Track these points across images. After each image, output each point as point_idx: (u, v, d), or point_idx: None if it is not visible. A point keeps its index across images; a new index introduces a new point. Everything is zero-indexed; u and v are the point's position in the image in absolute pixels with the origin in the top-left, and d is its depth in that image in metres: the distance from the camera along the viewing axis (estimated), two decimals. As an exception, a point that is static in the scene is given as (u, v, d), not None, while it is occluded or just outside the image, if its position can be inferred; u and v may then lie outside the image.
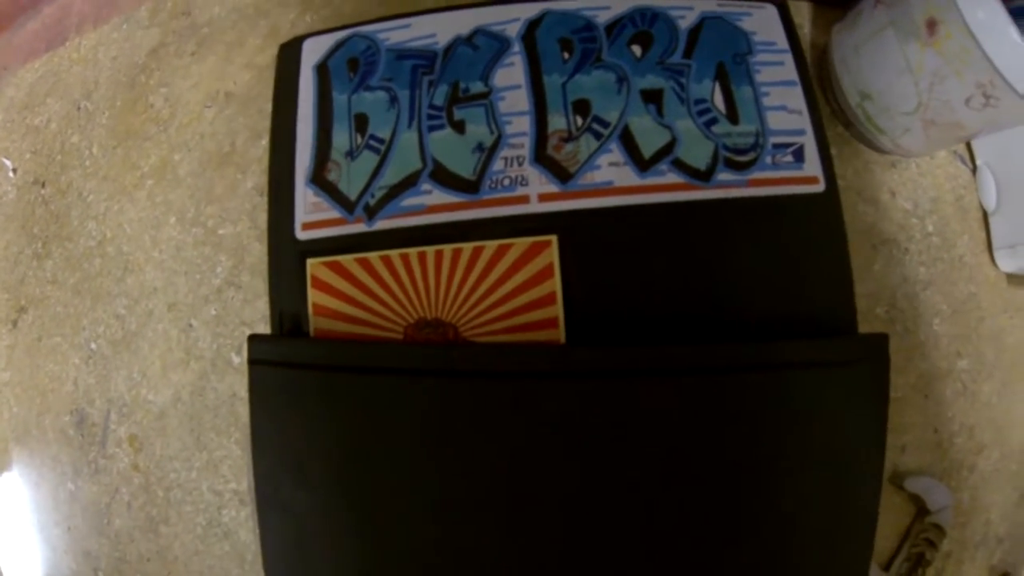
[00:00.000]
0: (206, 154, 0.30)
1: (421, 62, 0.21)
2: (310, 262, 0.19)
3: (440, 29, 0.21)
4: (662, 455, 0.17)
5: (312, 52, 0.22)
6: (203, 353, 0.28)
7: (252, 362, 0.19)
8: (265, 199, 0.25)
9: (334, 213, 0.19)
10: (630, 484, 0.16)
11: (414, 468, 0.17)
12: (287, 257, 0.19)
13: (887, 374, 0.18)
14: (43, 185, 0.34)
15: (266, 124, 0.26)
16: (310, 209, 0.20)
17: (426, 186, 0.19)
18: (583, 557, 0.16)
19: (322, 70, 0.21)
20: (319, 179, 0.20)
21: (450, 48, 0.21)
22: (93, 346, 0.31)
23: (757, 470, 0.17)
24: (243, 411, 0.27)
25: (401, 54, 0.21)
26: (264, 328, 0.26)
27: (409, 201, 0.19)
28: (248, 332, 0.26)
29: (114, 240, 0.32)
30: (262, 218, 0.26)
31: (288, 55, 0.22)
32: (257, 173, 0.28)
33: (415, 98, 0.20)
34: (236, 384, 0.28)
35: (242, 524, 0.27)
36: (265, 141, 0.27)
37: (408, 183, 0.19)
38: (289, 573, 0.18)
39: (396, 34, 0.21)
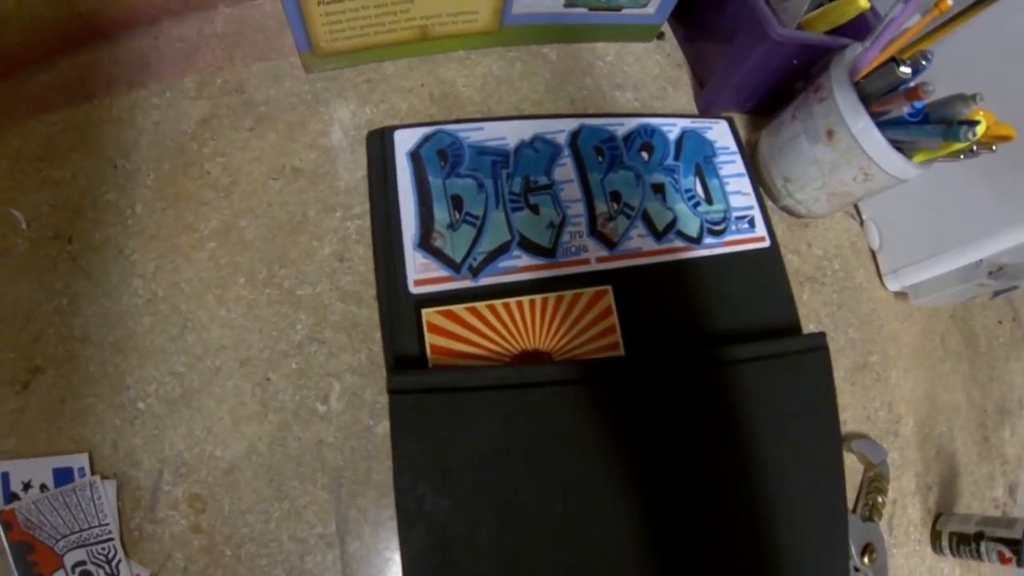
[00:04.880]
0: (275, 221, 0.37)
1: (498, 158, 0.35)
2: (425, 311, 0.30)
3: (507, 134, 0.36)
4: (691, 426, 0.30)
5: (403, 141, 0.34)
6: (283, 405, 0.34)
7: (392, 392, 0.28)
8: (344, 264, 0.35)
9: (442, 272, 0.31)
10: (676, 447, 0.30)
11: (533, 460, 0.28)
12: (403, 308, 0.30)
13: (829, 357, 0.36)
14: (69, 240, 0.38)
15: (338, 199, 0.37)
16: (420, 269, 0.31)
17: (516, 252, 0.32)
18: (661, 509, 0.28)
19: (416, 157, 0.34)
20: (426, 245, 0.32)
21: (518, 149, 0.35)
22: (140, 405, 0.35)
23: (758, 430, 0.31)
24: (330, 456, 0.34)
25: (481, 151, 0.35)
26: (351, 377, 0.34)
27: (504, 263, 0.32)
28: (334, 383, 0.35)
29: (168, 299, 0.37)
30: (344, 280, 0.36)
31: (379, 141, 0.34)
32: (334, 242, 0.36)
33: (498, 186, 0.34)
34: (322, 431, 0.34)
35: (328, 568, 0.32)
36: (339, 214, 0.37)
37: (502, 250, 0.32)
38: (435, 571, 0.26)
39: (474, 134, 0.35)
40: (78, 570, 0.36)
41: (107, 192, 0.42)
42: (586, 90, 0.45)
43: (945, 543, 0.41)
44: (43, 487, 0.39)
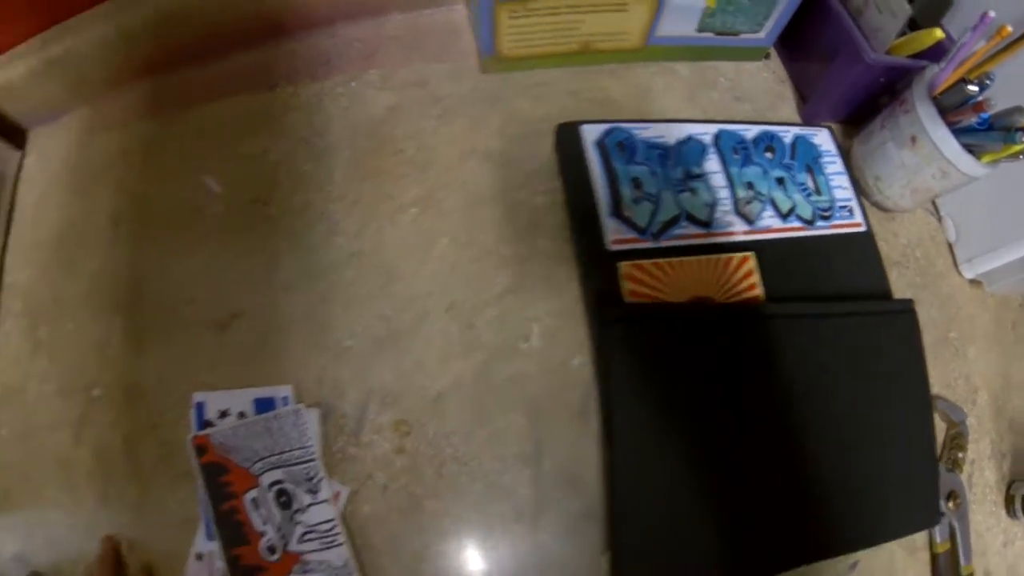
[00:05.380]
0: (471, 195, 0.46)
1: (662, 151, 0.46)
2: (621, 264, 0.41)
3: (666, 134, 0.46)
4: (813, 364, 0.41)
5: (589, 133, 0.45)
6: (487, 345, 0.41)
7: (602, 323, 0.39)
8: (538, 230, 0.45)
9: (631, 235, 0.42)
10: (802, 382, 0.40)
11: (711, 379, 0.38)
12: (603, 261, 0.41)
13: (917, 318, 0.46)
14: (266, 203, 0.47)
15: (526, 179, 0.47)
16: (614, 231, 0.42)
17: (683, 223, 0.43)
18: (791, 433, 0.39)
19: (601, 146, 0.45)
20: (618, 214, 0.42)
21: (676, 146, 0.46)
22: (347, 343, 0.42)
23: (863, 371, 0.41)
24: (530, 387, 0.41)
25: (650, 145, 0.45)
26: (549, 319, 0.44)
27: (676, 232, 0.43)
28: (534, 325, 0.44)
29: (372, 255, 0.44)
30: (542, 243, 0.45)
31: (569, 132, 0.45)
32: (527, 212, 0.45)
33: (665, 173, 0.44)
34: (523, 365, 0.41)
35: (524, 483, 0.39)
36: (527, 191, 0.47)
37: (674, 221, 0.43)
38: (641, 474, 0.36)
39: (642, 132, 0.46)
40: (275, 488, 0.41)
41: (302, 164, 0.51)
42: (713, 102, 0.56)
43: (1018, 507, 0.49)
44: (241, 415, 0.44)
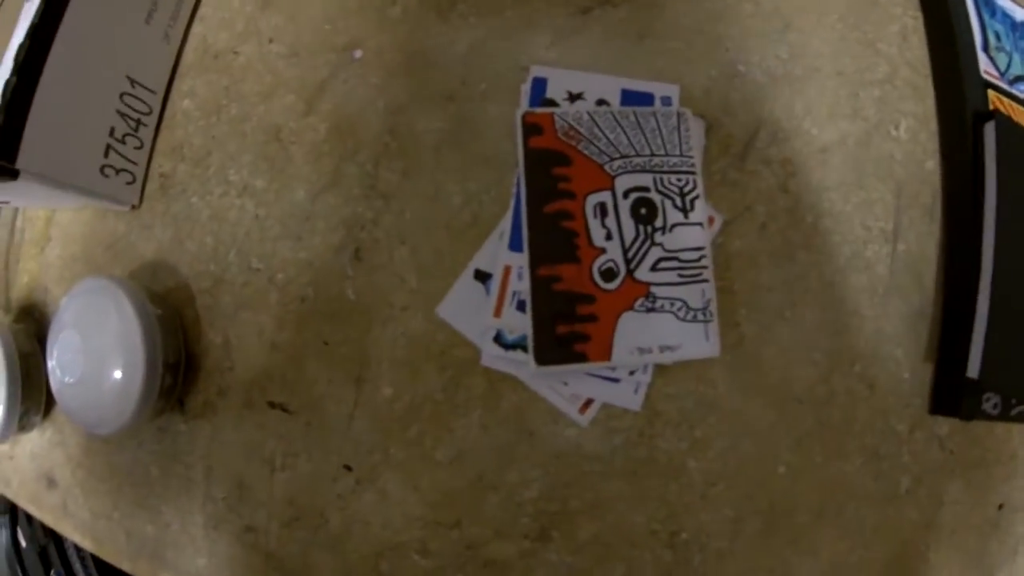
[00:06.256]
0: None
1: (1012, 21, 0.50)
2: (991, 92, 0.45)
3: (1014, 10, 0.51)
4: None
5: None
6: (868, 118, 0.42)
7: (998, 124, 0.40)
8: (907, 43, 0.47)
9: (995, 72, 0.46)
10: None
11: None
12: (972, 87, 0.44)
13: None
14: None
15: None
16: (985, 64, 0.45)
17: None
18: None
19: None
20: (986, 50, 0.46)
21: (1021, 22, 0.51)
22: (741, 68, 0.40)
23: None
24: (897, 170, 0.42)
25: (1005, 12, 0.50)
26: (912, 120, 0.45)
27: (1021, 87, 0.48)
28: (902, 119, 0.45)
29: (769, 0, 0.44)
30: (908, 55, 0.47)
31: None
32: (898, 25, 0.48)
33: (1015, 39, 0.49)
34: (893, 149, 0.42)
35: (882, 260, 0.40)
36: (900, 10, 0.47)
37: (1020, 79, 0.48)
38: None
39: (1018, 11, 0.50)
40: (633, 196, 0.35)
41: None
42: None
43: None
44: (601, 102, 0.38)
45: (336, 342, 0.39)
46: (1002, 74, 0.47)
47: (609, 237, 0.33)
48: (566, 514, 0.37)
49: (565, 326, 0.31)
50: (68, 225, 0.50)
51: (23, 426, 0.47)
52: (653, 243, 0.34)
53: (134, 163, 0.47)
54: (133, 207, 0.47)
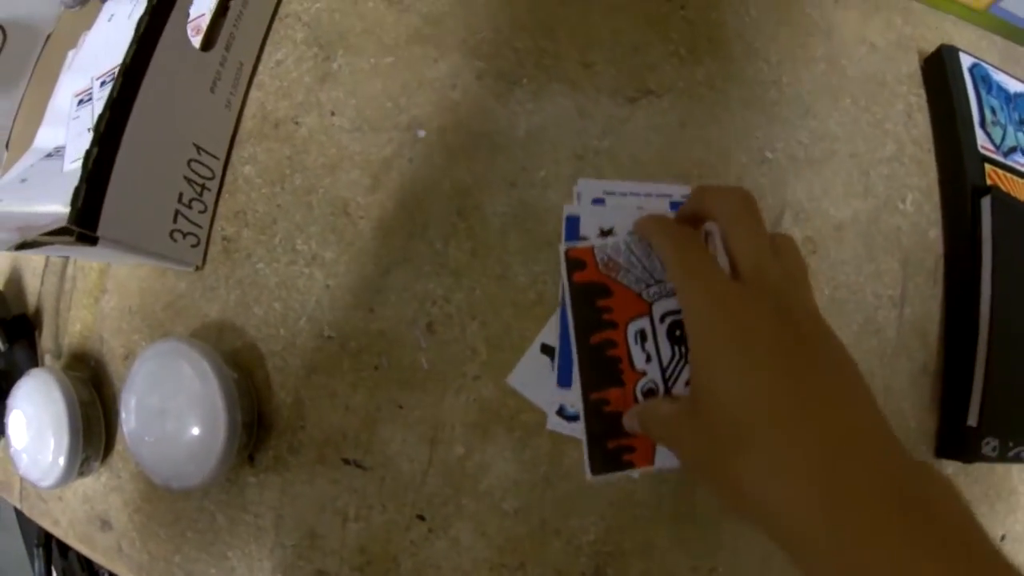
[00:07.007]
0: (864, 74, 0.51)
1: (1007, 95, 0.56)
2: (987, 166, 0.50)
3: (1009, 84, 0.57)
4: None
5: (965, 58, 0.53)
6: (878, 194, 0.47)
7: (993, 199, 0.46)
8: (912, 121, 0.52)
9: (991, 146, 0.51)
10: None
11: None
12: (971, 162, 0.49)
13: None
14: (682, 7, 0.48)
15: (908, 80, 0.53)
16: (982, 140, 0.50)
17: (1019, 154, 0.54)
18: None
19: (971, 72, 0.53)
20: (983, 126, 0.51)
21: (1014, 96, 0.57)
22: (768, 155, 0.45)
23: None
24: (904, 240, 0.47)
25: (1000, 86, 0.55)
26: (917, 194, 0.50)
27: (1015, 158, 0.53)
28: (908, 193, 0.50)
29: (791, 86, 0.47)
30: (913, 132, 0.52)
31: (949, 52, 0.52)
32: (905, 105, 0.52)
33: (1008, 112, 0.55)
34: (899, 221, 0.47)
35: (891, 324, 0.45)
36: (906, 87, 0.53)
37: (1013, 149, 0.53)
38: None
39: (995, 74, 0.55)
40: (669, 319, 0.35)
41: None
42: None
43: None
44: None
45: (410, 406, 0.43)
46: (997, 147, 0.53)
47: (649, 360, 0.35)
48: (620, 554, 0.42)
49: (614, 441, 0.35)
50: (125, 279, 0.51)
51: (82, 472, 0.48)
52: (687, 361, 0.35)
53: (199, 226, 0.49)
54: (196, 268, 0.50)
